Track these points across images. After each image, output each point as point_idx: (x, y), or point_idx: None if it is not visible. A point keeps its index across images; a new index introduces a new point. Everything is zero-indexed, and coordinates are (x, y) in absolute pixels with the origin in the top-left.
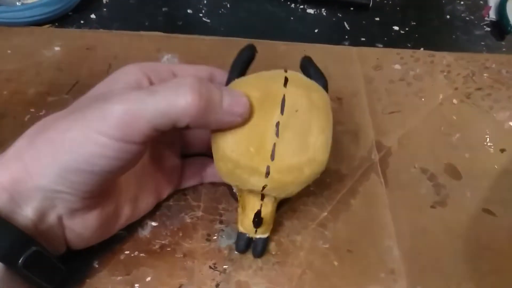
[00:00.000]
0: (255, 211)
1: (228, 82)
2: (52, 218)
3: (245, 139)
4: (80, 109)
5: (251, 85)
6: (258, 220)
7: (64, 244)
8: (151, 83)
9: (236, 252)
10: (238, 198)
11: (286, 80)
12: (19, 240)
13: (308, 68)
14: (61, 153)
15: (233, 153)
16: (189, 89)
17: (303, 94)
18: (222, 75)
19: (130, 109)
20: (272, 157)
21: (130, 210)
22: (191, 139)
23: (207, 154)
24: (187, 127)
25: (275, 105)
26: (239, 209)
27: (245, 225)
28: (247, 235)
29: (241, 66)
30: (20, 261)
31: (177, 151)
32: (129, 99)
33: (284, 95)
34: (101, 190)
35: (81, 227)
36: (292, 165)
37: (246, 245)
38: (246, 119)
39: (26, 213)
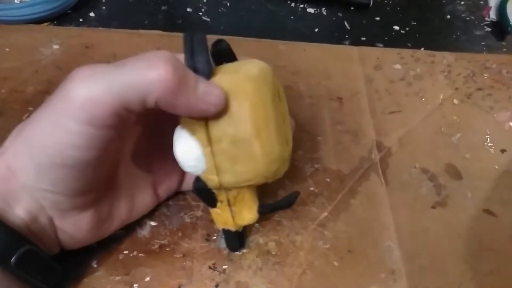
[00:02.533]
0: (254, 201)
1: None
2: (43, 219)
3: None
4: (52, 102)
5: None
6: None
7: (57, 244)
8: None
9: (236, 252)
10: (224, 199)
11: None
12: (11, 239)
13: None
14: (35, 149)
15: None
16: (162, 61)
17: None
18: None
19: (95, 85)
20: None
21: (126, 211)
22: None
23: None
24: (156, 106)
25: None
26: (227, 210)
27: (241, 220)
28: (235, 230)
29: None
30: (12, 260)
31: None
32: (95, 74)
33: None
34: (88, 187)
35: (73, 229)
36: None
37: (241, 241)
38: (216, 112)
39: (18, 214)
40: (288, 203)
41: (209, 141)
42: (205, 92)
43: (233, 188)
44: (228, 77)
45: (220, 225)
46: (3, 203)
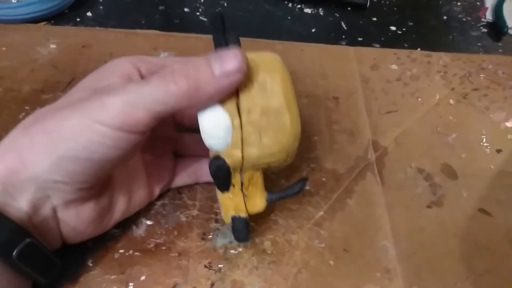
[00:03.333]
0: (264, 188)
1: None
2: (46, 210)
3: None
4: (79, 101)
5: None
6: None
7: (59, 238)
8: (141, 75)
9: (231, 251)
10: (237, 182)
11: None
12: (12, 232)
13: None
14: (58, 141)
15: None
16: (176, 74)
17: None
18: None
19: (129, 99)
20: None
21: (125, 204)
22: (187, 141)
23: (203, 156)
24: (188, 108)
25: None
26: (240, 194)
27: (253, 207)
28: (244, 217)
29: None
30: (14, 254)
31: (170, 148)
32: (127, 90)
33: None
34: (97, 180)
35: (76, 220)
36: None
37: (249, 230)
38: (245, 70)
39: (20, 205)
40: (295, 191)
41: (238, 112)
42: (223, 66)
43: (250, 169)
44: (257, 55)
45: (230, 212)
46: (6, 196)
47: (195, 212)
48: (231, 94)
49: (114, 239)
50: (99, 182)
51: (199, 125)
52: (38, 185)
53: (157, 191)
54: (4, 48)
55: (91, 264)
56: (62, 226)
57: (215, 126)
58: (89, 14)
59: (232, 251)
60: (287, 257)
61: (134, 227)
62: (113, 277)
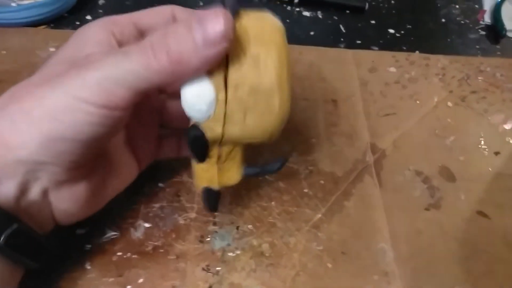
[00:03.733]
0: (242, 162)
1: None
2: (35, 192)
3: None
4: (56, 76)
5: None
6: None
7: (51, 220)
8: (117, 39)
9: (229, 254)
10: (214, 154)
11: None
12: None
13: None
14: (42, 122)
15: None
16: (156, 48)
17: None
18: (183, 11)
19: (109, 74)
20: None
21: (116, 179)
22: (171, 113)
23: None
24: (173, 83)
25: None
26: (215, 167)
27: (227, 179)
28: (216, 189)
29: None
30: (1, 240)
31: (155, 119)
32: (106, 64)
33: None
34: (86, 159)
35: (69, 201)
36: None
37: (218, 201)
38: (231, 37)
39: (8, 189)
40: (274, 168)
41: (225, 86)
42: (206, 34)
43: (230, 144)
44: (256, 22)
45: (203, 183)
46: None
47: (193, 214)
48: (220, 64)
49: (112, 241)
50: (89, 161)
51: (181, 94)
52: (26, 167)
53: (144, 163)
54: (3, 52)
55: (89, 267)
56: (54, 208)
57: (198, 97)
58: (88, 17)
59: (230, 254)
60: (285, 259)
61: (132, 230)
62: (111, 279)
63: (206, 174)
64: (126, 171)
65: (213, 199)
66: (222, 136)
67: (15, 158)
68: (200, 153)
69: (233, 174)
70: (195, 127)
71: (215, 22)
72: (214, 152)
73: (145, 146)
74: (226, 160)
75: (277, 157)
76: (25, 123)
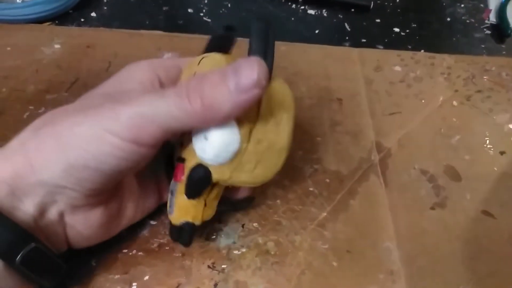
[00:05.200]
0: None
1: None
2: (53, 214)
3: None
4: (92, 107)
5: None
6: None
7: (65, 242)
8: (161, 81)
9: (235, 252)
10: (207, 193)
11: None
12: (17, 236)
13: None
14: (69, 148)
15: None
16: (191, 92)
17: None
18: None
19: (143, 111)
20: None
21: (133, 210)
22: None
23: None
24: (203, 126)
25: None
26: (202, 204)
27: (207, 215)
28: (196, 224)
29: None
30: (18, 258)
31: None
32: (142, 102)
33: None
34: (106, 188)
35: (83, 225)
36: None
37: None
38: (263, 85)
39: (27, 208)
40: (242, 207)
41: (249, 139)
42: (239, 82)
43: (222, 185)
44: (280, 89)
45: (186, 218)
46: (13, 198)
47: None
48: (250, 117)
49: (117, 239)
50: (108, 190)
51: (207, 137)
52: (46, 189)
53: (166, 197)
54: (8, 48)
55: (94, 264)
56: (68, 230)
57: (225, 145)
58: (93, 14)
59: (236, 252)
60: (290, 258)
61: (137, 227)
62: (116, 277)
63: (192, 210)
64: (145, 204)
65: (189, 235)
66: (227, 180)
67: (37, 179)
68: (198, 191)
69: (212, 210)
70: (203, 167)
71: (249, 70)
72: (207, 190)
73: (167, 179)
74: (214, 198)
75: (246, 198)
76: (52, 147)
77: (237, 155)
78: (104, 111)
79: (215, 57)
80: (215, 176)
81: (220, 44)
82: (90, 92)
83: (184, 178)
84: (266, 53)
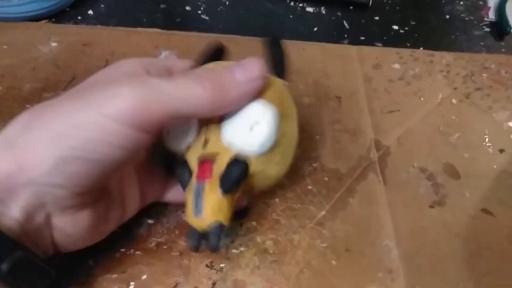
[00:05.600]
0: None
1: None
2: (40, 217)
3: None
4: (83, 93)
5: None
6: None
7: (52, 246)
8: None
9: (233, 251)
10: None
11: None
12: (2, 245)
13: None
14: (60, 139)
15: None
16: (202, 78)
17: None
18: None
19: (146, 92)
20: None
21: (119, 212)
22: None
23: None
24: (208, 114)
25: None
26: (231, 201)
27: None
28: (225, 225)
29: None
30: (3, 267)
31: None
32: (144, 83)
33: None
34: (96, 184)
35: (71, 227)
36: None
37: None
38: (264, 76)
39: (12, 213)
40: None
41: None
42: (246, 73)
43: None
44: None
45: (220, 217)
46: None
47: None
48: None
49: (115, 237)
50: (98, 187)
51: (253, 128)
52: (34, 190)
53: (146, 200)
54: (5, 46)
55: (91, 263)
56: (55, 233)
57: (270, 135)
58: (90, 12)
59: (234, 251)
60: (289, 256)
61: (135, 226)
62: (114, 276)
63: (225, 207)
64: (129, 204)
65: (218, 237)
66: (260, 172)
67: (25, 179)
68: (236, 184)
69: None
70: (241, 159)
71: (253, 65)
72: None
73: (151, 183)
74: (237, 197)
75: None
76: (43, 139)
77: (276, 147)
78: (98, 95)
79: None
80: (252, 168)
81: (214, 54)
82: (77, 86)
83: (214, 174)
84: (282, 69)
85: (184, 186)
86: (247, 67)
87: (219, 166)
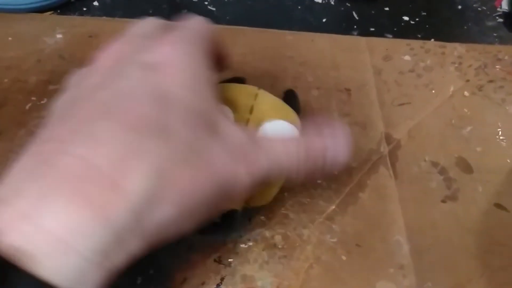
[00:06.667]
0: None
1: None
2: None
3: None
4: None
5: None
6: None
7: None
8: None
9: (242, 246)
10: None
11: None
12: None
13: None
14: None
15: None
16: (300, 145)
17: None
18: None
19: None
20: None
21: None
22: None
23: None
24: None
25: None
26: None
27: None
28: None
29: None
30: None
31: None
32: (269, 152)
33: (252, 106)
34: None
35: None
36: None
37: None
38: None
39: None
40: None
41: None
42: (334, 161)
43: None
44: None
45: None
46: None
47: None
48: None
49: None
50: None
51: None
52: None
53: None
54: (10, 38)
55: None
56: None
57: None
58: (95, 3)
59: (243, 245)
60: (298, 252)
61: None
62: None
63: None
64: None
65: (239, 222)
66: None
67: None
68: None
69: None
70: None
71: (344, 153)
72: None
73: None
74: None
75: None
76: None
77: None
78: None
79: (270, 96)
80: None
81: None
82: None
83: None
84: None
85: None
86: (339, 153)
87: None
